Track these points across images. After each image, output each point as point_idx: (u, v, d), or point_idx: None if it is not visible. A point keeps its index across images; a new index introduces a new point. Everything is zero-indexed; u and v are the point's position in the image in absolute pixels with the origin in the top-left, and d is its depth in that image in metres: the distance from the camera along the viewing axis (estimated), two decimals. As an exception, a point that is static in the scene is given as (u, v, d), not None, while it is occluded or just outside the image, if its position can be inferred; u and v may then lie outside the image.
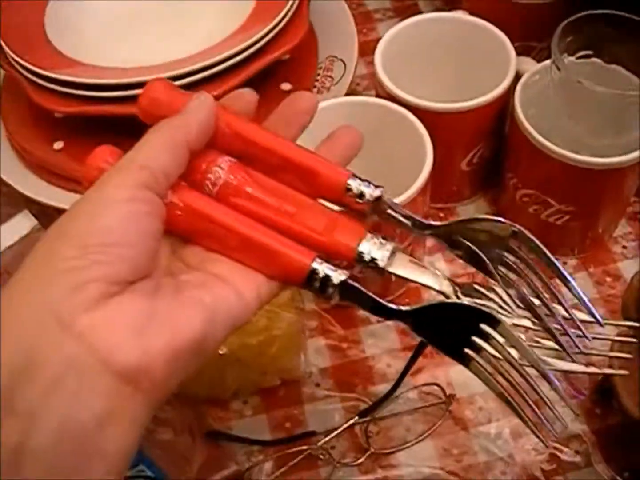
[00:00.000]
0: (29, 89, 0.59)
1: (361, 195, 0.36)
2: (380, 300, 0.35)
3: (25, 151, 0.63)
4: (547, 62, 0.55)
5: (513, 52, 0.58)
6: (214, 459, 0.52)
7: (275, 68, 0.63)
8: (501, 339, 0.33)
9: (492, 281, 0.37)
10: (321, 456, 0.53)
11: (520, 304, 0.36)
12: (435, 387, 0.55)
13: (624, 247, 0.62)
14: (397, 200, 0.50)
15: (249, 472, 0.52)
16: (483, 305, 0.36)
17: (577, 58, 0.55)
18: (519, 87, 0.56)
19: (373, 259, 0.35)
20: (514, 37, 0.60)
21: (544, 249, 0.36)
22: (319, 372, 0.57)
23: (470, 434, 0.54)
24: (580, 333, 0.35)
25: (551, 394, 0.33)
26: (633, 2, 0.53)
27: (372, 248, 0.35)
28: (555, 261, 0.35)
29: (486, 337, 0.34)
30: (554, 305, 0.36)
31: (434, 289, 0.36)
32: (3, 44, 0.60)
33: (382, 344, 0.58)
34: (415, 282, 0.36)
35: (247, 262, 0.34)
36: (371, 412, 0.54)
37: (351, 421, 0.54)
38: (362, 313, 0.59)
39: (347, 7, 0.70)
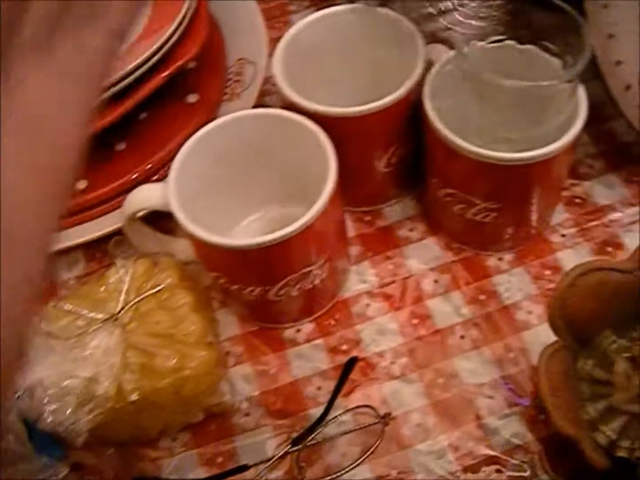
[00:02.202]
0: None
1: None
2: None
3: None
4: (457, 50, 0.51)
5: (421, 42, 0.53)
6: (142, 506, 0.50)
7: (180, 79, 0.59)
8: None
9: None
10: (253, 492, 0.50)
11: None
12: (369, 409, 0.52)
13: (563, 235, 0.58)
14: (313, 211, 0.47)
15: (179, 516, 0.50)
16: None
17: (489, 42, 0.51)
18: (428, 80, 0.52)
19: None
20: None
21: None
22: (248, 401, 0.54)
23: (409, 453, 0.51)
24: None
25: None
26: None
27: None
28: None
29: None
30: None
31: None
32: None
33: (311, 364, 0.55)
34: None
35: None
36: (303, 439, 0.51)
37: (282, 451, 0.51)
38: (288, 333, 0.56)
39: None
